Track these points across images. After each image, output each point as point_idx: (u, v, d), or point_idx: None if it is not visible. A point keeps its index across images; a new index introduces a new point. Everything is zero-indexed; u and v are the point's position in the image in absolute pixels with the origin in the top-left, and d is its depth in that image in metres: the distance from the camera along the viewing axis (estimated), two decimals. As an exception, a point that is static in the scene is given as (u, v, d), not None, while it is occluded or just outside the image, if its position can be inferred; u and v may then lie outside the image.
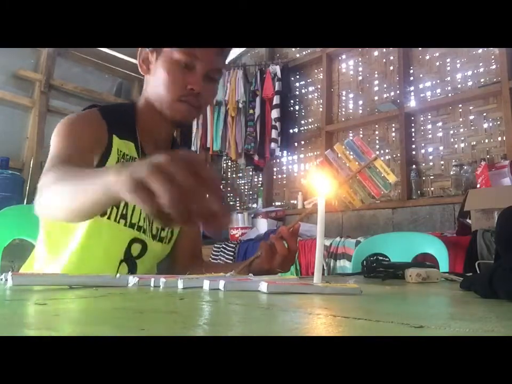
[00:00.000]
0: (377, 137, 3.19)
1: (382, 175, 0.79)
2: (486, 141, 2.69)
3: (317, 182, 0.69)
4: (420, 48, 3.02)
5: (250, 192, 3.99)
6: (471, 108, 2.77)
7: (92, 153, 0.84)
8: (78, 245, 0.85)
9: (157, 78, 0.89)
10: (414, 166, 2.89)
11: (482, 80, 2.73)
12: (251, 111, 3.49)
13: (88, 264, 0.86)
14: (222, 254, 2.91)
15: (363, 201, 0.81)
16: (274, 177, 3.83)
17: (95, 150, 0.85)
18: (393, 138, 3.11)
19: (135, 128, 0.93)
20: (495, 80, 2.64)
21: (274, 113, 3.35)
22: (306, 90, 3.72)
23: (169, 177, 0.42)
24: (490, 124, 2.68)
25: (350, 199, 0.80)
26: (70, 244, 0.86)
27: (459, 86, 2.83)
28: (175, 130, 1.02)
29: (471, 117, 2.77)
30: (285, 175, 3.76)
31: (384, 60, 3.25)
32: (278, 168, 3.82)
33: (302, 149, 3.65)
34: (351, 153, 0.81)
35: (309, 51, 3.65)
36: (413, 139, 3.00)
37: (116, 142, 0.88)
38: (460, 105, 2.81)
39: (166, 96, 0.88)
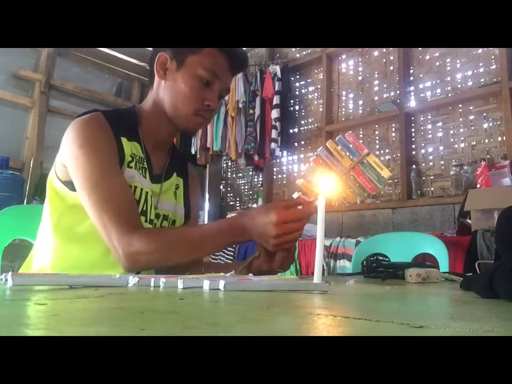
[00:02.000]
0: (377, 137, 3.19)
1: (376, 170, 0.79)
2: (486, 141, 2.69)
3: (317, 181, 0.69)
4: (419, 48, 3.02)
5: (250, 192, 3.99)
6: (471, 108, 2.77)
7: (118, 166, 0.87)
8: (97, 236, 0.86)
9: (175, 88, 0.92)
10: (414, 166, 2.89)
11: (482, 80, 2.73)
12: (251, 111, 3.48)
13: (90, 260, 0.87)
14: (222, 254, 2.91)
15: (359, 197, 0.81)
16: (274, 177, 3.83)
17: (117, 159, 0.87)
18: (393, 138, 3.11)
19: (138, 131, 0.95)
20: (495, 80, 2.64)
21: (274, 113, 3.35)
22: (306, 90, 3.72)
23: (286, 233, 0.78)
24: (490, 124, 2.68)
25: (345, 195, 0.81)
26: (87, 235, 0.87)
27: (459, 86, 2.83)
28: (176, 135, 1.04)
29: (471, 117, 2.77)
30: (285, 175, 3.76)
31: (384, 60, 3.25)
32: (278, 168, 3.82)
33: (302, 149, 3.65)
34: (344, 149, 0.82)
35: (309, 51, 3.65)
36: (413, 139, 3.00)
37: (125, 143, 0.90)
38: (460, 105, 2.81)
39: (184, 108, 0.92)
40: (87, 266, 0.87)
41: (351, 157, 0.81)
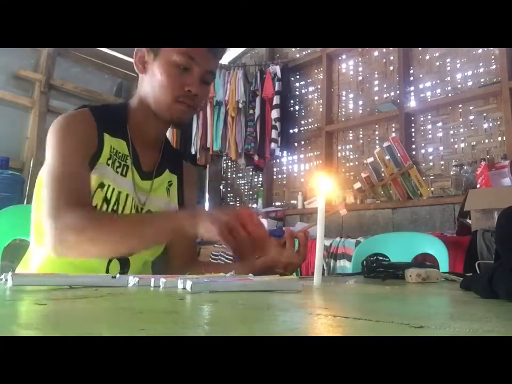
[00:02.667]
0: (377, 137, 3.19)
1: (414, 183, 0.79)
2: (486, 141, 2.69)
3: (319, 182, 0.69)
4: (419, 48, 3.02)
5: (250, 192, 3.99)
6: (471, 108, 2.77)
7: (85, 158, 0.86)
8: None
9: (154, 79, 0.91)
10: (414, 166, 2.89)
11: (482, 80, 2.73)
12: (251, 111, 3.48)
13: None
14: (222, 254, 2.91)
15: (386, 198, 0.82)
16: (274, 177, 3.83)
17: (88, 153, 0.86)
18: (393, 138, 3.11)
19: (126, 127, 0.94)
20: (495, 80, 2.64)
21: (274, 113, 3.35)
22: (306, 90, 3.71)
23: (233, 230, 0.72)
24: (490, 124, 2.68)
25: (372, 194, 0.81)
26: None
27: (459, 86, 2.83)
28: (167, 130, 1.03)
29: (471, 117, 2.77)
30: (285, 175, 3.76)
31: (384, 60, 3.24)
32: (278, 168, 3.82)
33: (302, 149, 3.65)
34: (389, 158, 0.82)
35: (309, 51, 3.65)
36: (413, 139, 3.00)
37: (107, 139, 0.89)
38: (460, 105, 2.81)
39: (163, 97, 0.90)
40: (72, 264, 0.86)
41: (394, 166, 0.81)
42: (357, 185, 0.67)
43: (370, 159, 0.66)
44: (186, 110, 0.92)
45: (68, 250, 0.77)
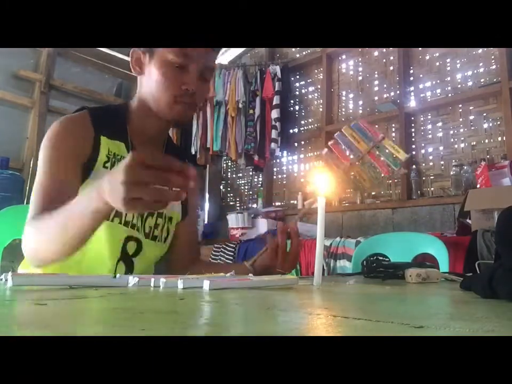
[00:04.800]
0: (377, 137, 3.19)
1: (394, 154, 0.80)
2: (486, 141, 2.68)
3: (318, 180, 0.69)
4: (420, 48, 3.02)
5: (250, 192, 3.99)
6: (471, 108, 2.77)
7: (77, 164, 0.87)
8: None
9: (151, 80, 0.90)
10: (414, 166, 2.89)
11: (482, 80, 2.73)
12: (251, 111, 3.48)
13: (87, 263, 0.86)
14: (222, 254, 2.91)
15: (374, 181, 0.82)
16: (274, 177, 3.82)
17: (80, 159, 0.87)
18: (393, 138, 3.10)
19: (126, 128, 0.94)
20: (495, 80, 2.64)
21: (274, 113, 3.35)
22: (306, 90, 3.71)
23: (141, 182, 0.56)
24: (490, 124, 2.68)
25: (361, 180, 0.81)
26: None
27: (459, 86, 2.83)
28: (169, 130, 1.03)
29: (471, 117, 2.77)
30: (285, 175, 3.76)
31: (384, 60, 3.24)
32: (278, 168, 3.81)
33: (302, 149, 3.65)
34: (359, 135, 0.82)
35: (309, 51, 3.65)
36: (413, 139, 3.00)
37: (104, 142, 0.89)
38: (460, 105, 2.81)
39: (162, 97, 0.89)
40: (77, 264, 0.86)
41: (366, 142, 0.81)
42: (324, 150, 0.69)
43: (337, 133, 0.68)
44: (186, 109, 0.91)
45: (38, 261, 0.78)
